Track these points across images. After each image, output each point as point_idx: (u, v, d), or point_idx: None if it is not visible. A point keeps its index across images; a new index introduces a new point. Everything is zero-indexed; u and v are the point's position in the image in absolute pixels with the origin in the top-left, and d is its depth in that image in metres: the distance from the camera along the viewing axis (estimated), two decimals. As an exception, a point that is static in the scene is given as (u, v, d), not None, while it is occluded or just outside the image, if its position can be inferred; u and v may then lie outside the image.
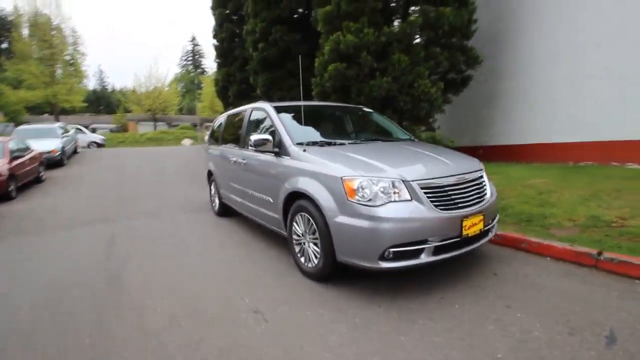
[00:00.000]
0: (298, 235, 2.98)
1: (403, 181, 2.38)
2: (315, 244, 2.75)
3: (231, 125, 4.82)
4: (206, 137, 6.11)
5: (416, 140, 3.89)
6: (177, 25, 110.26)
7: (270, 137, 3.21)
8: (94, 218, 5.35)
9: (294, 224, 2.98)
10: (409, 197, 2.36)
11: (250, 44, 10.81)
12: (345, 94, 7.31)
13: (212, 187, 5.51)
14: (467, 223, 2.46)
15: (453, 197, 2.48)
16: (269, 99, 10.77)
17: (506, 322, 2.08)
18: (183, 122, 45.26)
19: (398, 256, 2.32)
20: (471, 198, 2.58)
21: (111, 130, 41.93)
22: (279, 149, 3.22)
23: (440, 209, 2.39)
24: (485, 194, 2.75)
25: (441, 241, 2.39)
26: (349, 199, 2.39)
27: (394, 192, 2.35)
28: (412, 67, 6.61)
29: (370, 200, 2.34)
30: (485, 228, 2.68)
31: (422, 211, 2.34)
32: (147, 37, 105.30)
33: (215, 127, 5.68)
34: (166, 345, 2.03)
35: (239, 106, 15.29)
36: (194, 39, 77.63)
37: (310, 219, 2.73)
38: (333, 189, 2.50)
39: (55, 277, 3.11)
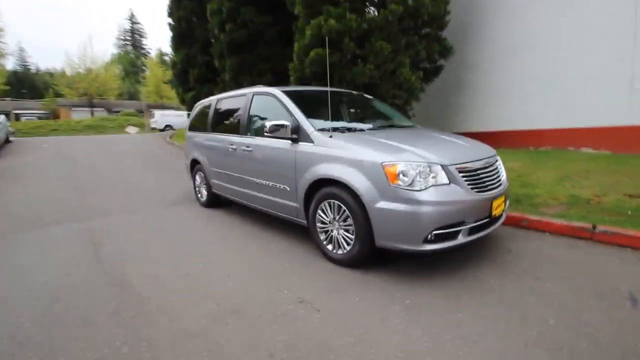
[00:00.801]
0: (323, 223, 2.93)
1: (441, 165, 2.45)
2: (347, 231, 2.73)
3: (224, 112, 4.52)
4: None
5: (418, 126, 4.00)
6: (112, 2, 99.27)
7: (287, 123, 3.08)
8: (61, 217, 4.73)
9: (319, 211, 2.93)
10: (447, 181, 2.44)
11: (216, 24, 10.13)
12: (326, 80, 7.23)
13: (198, 177, 5.18)
14: (495, 204, 2.62)
15: (484, 179, 2.62)
16: (238, 84, 10.26)
17: (541, 293, 2.27)
18: (125, 108, 41.48)
19: (439, 238, 2.40)
20: (496, 180, 2.74)
21: (39, 117, 37.08)
22: (297, 136, 3.11)
23: (475, 192, 2.51)
24: (503, 176, 2.95)
25: (475, 222, 2.52)
26: (391, 184, 2.40)
27: (433, 176, 2.41)
28: (393, 55, 6.73)
29: (411, 185, 2.37)
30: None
31: (460, 194, 2.43)
32: (75, 14, 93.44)
33: (198, 114, 5.30)
34: (221, 345, 1.89)
35: (201, 91, 14.57)
36: (132, 16, 70.90)
37: (342, 205, 2.70)
38: (372, 175, 2.49)
39: (51, 286, 2.71)
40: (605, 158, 5.61)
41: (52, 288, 2.65)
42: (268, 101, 3.67)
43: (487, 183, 2.62)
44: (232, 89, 10.62)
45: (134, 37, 70.13)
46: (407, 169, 2.40)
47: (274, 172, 3.40)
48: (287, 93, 3.47)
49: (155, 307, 2.32)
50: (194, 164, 5.29)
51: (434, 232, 2.36)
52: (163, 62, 53.35)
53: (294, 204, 3.21)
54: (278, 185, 3.36)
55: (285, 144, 3.25)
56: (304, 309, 2.21)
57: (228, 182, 4.30)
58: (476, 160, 2.65)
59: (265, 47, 9.87)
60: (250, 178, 3.77)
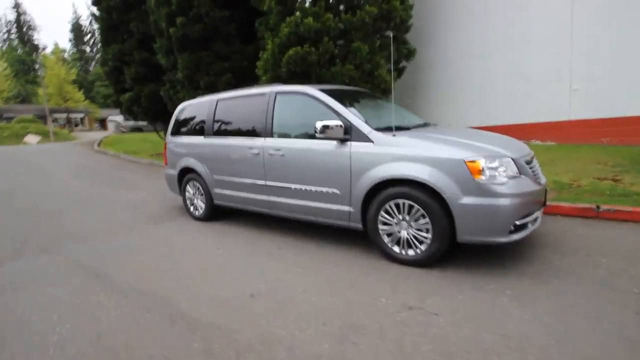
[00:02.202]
0: (387, 225, 2.87)
1: (512, 159, 2.60)
2: (420, 230, 2.72)
3: (231, 113, 4.09)
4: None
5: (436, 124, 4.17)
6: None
7: (340, 123, 2.93)
8: (19, 247, 3.77)
9: (382, 213, 2.86)
10: (518, 174, 2.59)
11: (164, 17, 9.11)
12: (305, 79, 7.08)
13: (190, 188, 4.61)
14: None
15: (535, 170, 2.85)
16: (193, 84, 9.42)
17: (604, 266, 2.57)
18: (20, 114, 34.72)
19: (518, 228, 2.55)
20: (540, 171, 3.01)
21: None
22: (350, 136, 2.98)
23: (536, 182, 2.72)
24: (538, 167, 3.26)
25: (538, 210, 2.73)
26: (475, 179, 2.46)
27: (509, 170, 2.54)
28: (370, 56, 6.90)
29: (493, 179, 2.47)
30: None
31: (530, 185, 2.61)
32: None
33: (187, 116, 4.71)
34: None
35: (141, 92, 13.29)
36: (17, 5, 59.73)
37: (415, 204, 2.68)
38: (454, 171, 2.51)
39: (108, 342, 2.13)
40: (557, 148, 6.61)
41: (113, 345, 2.09)
42: (299, 101, 3.44)
43: (538, 173, 2.87)
44: (185, 89, 9.74)
45: (21, 30, 59.20)
46: (489, 164, 2.48)
47: (318, 176, 3.20)
48: (326, 92, 3.30)
49: (252, 337, 1.99)
50: (184, 174, 4.70)
51: (517, 222, 2.50)
52: (63, 59, 46.13)
53: (346, 208, 3.08)
54: (324, 189, 3.17)
55: (332, 145, 3.09)
56: (420, 314, 2.13)
57: (242, 190, 3.91)
58: (528, 154, 2.88)
59: (223, 44, 9.21)
60: (281, 184, 3.48)
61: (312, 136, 3.30)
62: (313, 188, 3.25)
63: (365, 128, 2.93)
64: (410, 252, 2.80)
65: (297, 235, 3.75)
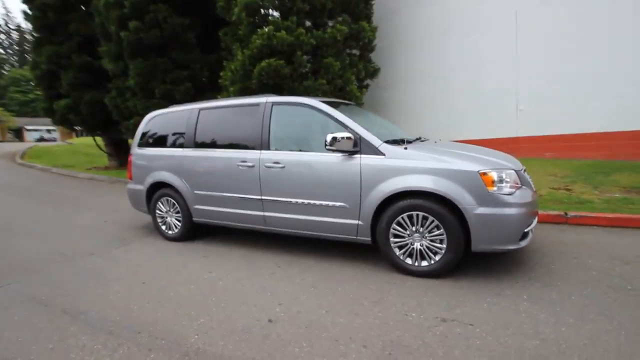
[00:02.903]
0: (399, 237, 2.85)
1: (515, 170, 2.77)
2: (433, 241, 2.74)
3: (218, 124, 3.79)
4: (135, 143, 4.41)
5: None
6: None
7: (350, 135, 2.87)
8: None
9: (394, 225, 2.83)
10: (520, 184, 2.77)
11: (114, 20, 8.31)
12: (276, 93, 6.95)
13: (163, 205, 4.15)
14: (537, 201, 3.13)
15: (529, 181, 3.08)
16: (147, 92, 8.68)
17: (591, 267, 2.83)
18: None
19: (524, 235, 2.70)
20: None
21: None
22: (359, 148, 2.94)
23: (533, 192, 2.94)
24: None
25: (535, 218, 2.94)
26: (489, 190, 2.57)
27: (515, 181, 2.70)
28: (342, 72, 7.04)
29: (504, 190, 2.60)
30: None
31: (531, 195, 2.80)
32: None
33: (161, 127, 4.28)
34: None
35: (81, 99, 12.36)
36: None
37: (430, 216, 2.70)
38: (469, 183, 2.59)
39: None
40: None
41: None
42: (299, 112, 3.32)
43: (531, 184, 3.11)
44: (137, 97, 8.88)
45: None
46: (500, 175, 2.62)
47: (324, 190, 3.08)
48: (328, 104, 3.23)
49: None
50: (155, 189, 4.22)
51: (524, 230, 2.65)
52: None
53: (354, 222, 3.00)
54: (331, 203, 3.06)
55: (339, 157, 3.01)
56: (457, 326, 2.11)
57: (229, 206, 3.62)
58: (522, 165, 3.11)
59: (182, 52, 8.68)
60: (280, 199, 3.29)
61: (314, 148, 3.20)
62: (318, 202, 3.12)
63: (375, 141, 2.92)
64: (424, 263, 2.80)
65: (292, 251, 3.55)
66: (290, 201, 3.25)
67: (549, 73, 6.99)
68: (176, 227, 4.14)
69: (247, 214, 3.54)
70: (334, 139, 2.87)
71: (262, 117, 3.44)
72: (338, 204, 3.04)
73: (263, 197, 3.40)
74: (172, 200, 4.10)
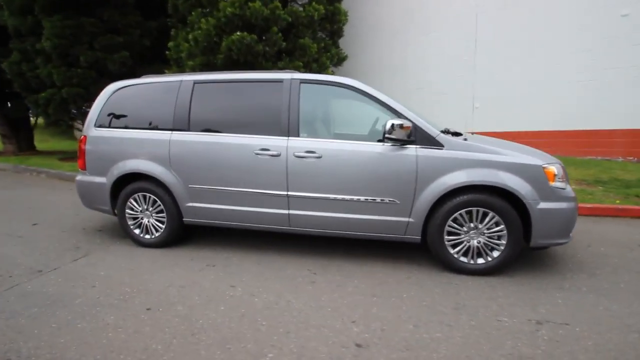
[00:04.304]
0: (455, 235, 2.67)
1: (561, 165, 2.81)
2: (491, 237, 2.62)
3: (225, 103, 3.05)
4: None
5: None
6: None
7: (409, 123, 2.55)
8: None
9: (450, 222, 2.64)
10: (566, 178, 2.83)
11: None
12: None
13: (137, 202, 3.27)
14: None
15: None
16: (67, 58, 6.87)
17: (609, 254, 3.06)
18: None
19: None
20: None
21: None
22: (415, 139, 2.63)
23: (565, 185, 3.05)
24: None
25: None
26: (550, 185, 2.53)
27: (562, 175, 2.73)
28: (318, 55, 6.57)
29: (561, 184, 2.60)
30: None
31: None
32: None
33: (135, 103, 3.32)
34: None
35: None
36: None
37: (490, 212, 2.57)
38: (533, 177, 2.52)
39: None
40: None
41: None
42: (334, 93, 2.86)
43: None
44: (53, 64, 6.93)
45: None
46: (558, 169, 2.61)
47: (371, 184, 2.71)
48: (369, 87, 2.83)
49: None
50: (125, 183, 3.28)
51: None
52: None
53: (404, 219, 2.71)
54: (378, 199, 2.71)
55: (388, 148, 2.68)
56: (556, 328, 2.00)
57: (241, 204, 2.98)
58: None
59: (116, 13, 7.06)
60: (313, 194, 2.80)
61: (352, 136, 2.80)
62: (363, 198, 2.74)
63: (432, 130, 2.66)
64: (480, 261, 2.68)
65: (315, 253, 3.12)
66: (328, 197, 2.80)
67: (502, 75, 7.67)
68: (156, 230, 3.29)
69: (266, 212, 2.96)
70: (394, 126, 2.52)
71: (289, 96, 2.87)
72: (387, 199, 2.71)
73: (290, 193, 2.86)
74: (152, 197, 3.23)
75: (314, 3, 6.51)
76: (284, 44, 6.22)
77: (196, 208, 3.13)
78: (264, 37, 6.01)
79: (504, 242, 2.61)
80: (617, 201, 4.57)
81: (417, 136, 2.66)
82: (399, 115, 2.70)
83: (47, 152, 10.48)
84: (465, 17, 7.94)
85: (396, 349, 1.85)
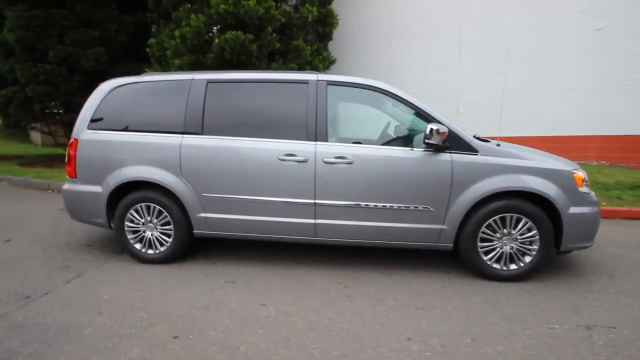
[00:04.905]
0: (488, 241, 2.64)
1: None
2: (524, 243, 2.62)
3: (243, 104, 2.81)
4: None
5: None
6: None
7: (446, 129, 2.48)
8: None
9: (483, 229, 2.60)
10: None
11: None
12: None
13: (139, 214, 2.94)
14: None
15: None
16: (34, 53, 6.18)
17: (619, 255, 3.18)
18: None
19: (592, 232, 2.84)
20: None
21: None
22: (450, 144, 2.57)
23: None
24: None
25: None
26: (579, 190, 2.58)
27: (587, 181, 2.80)
28: (312, 58, 6.43)
29: (586, 189, 2.66)
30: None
31: (589, 193, 2.98)
32: None
33: (136, 103, 3.00)
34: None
35: None
36: None
37: (524, 217, 2.57)
38: (564, 183, 2.55)
39: None
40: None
41: None
42: (364, 96, 2.73)
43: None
44: (17, 59, 6.16)
45: None
46: (585, 175, 2.66)
47: (405, 191, 2.61)
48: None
49: None
50: (124, 192, 2.93)
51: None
52: None
53: (437, 226, 2.64)
54: (412, 206, 2.61)
55: (422, 153, 2.60)
56: (606, 332, 2.01)
57: (262, 213, 2.76)
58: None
59: (89, 5, 6.46)
60: (343, 202, 2.65)
61: (381, 141, 2.70)
62: (396, 205, 2.64)
63: (467, 136, 2.61)
64: (512, 267, 2.67)
65: (336, 264, 2.96)
66: (359, 205, 2.66)
67: (486, 81, 7.98)
68: (162, 245, 2.97)
69: (290, 222, 2.76)
70: (432, 131, 2.44)
71: (316, 99, 2.71)
72: (420, 206, 2.63)
73: (317, 201, 2.69)
74: (158, 208, 2.92)
75: (307, 5, 6.38)
76: (278, 45, 6.03)
77: (210, 219, 2.86)
78: (259, 37, 5.77)
79: (535, 247, 2.62)
80: (604, 203, 4.85)
81: (451, 141, 2.61)
82: (432, 119, 2.64)
83: (1, 156, 9.41)
84: (450, 27, 8.19)
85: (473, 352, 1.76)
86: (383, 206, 2.65)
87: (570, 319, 2.17)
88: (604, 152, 7.06)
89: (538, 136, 7.59)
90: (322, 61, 6.87)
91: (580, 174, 2.64)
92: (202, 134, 2.83)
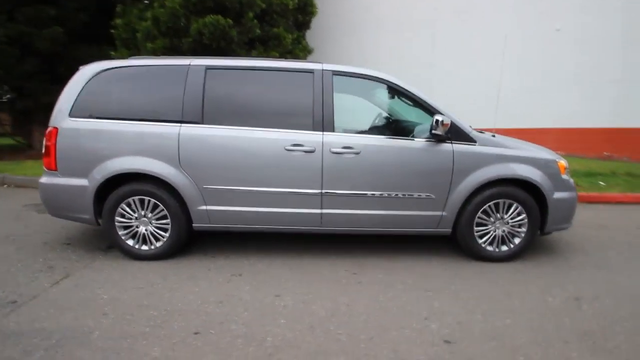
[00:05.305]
0: (482, 226, 2.83)
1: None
2: (514, 226, 2.84)
3: (245, 92, 2.70)
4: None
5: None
6: None
7: (449, 120, 2.59)
8: None
9: (479, 214, 2.78)
10: (566, 171, 3.19)
11: None
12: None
13: (131, 208, 2.76)
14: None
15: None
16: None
17: (601, 237, 3.55)
18: None
19: (569, 215, 3.14)
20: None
21: None
22: (450, 135, 2.69)
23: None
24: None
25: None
26: (562, 176, 2.83)
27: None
28: (293, 46, 6.30)
29: (566, 176, 2.92)
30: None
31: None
32: None
33: (125, 89, 2.78)
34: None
35: None
36: None
37: (515, 202, 2.78)
38: (549, 170, 2.79)
39: None
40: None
41: None
42: (368, 87, 2.76)
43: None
44: None
45: None
46: (566, 163, 2.92)
47: (410, 180, 2.71)
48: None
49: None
50: (114, 185, 2.73)
51: (574, 210, 3.09)
52: None
53: (438, 213, 2.78)
54: (416, 194, 2.72)
55: (425, 144, 2.70)
56: (594, 302, 2.26)
57: (266, 205, 2.72)
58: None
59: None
60: (350, 192, 2.68)
61: (385, 131, 2.76)
62: (401, 194, 2.72)
63: (466, 127, 2.75)
64: (504, 248, 2.89)
65: (339, 252, 3.02)
66: (365, 194, 2.71)
67: (459, 74, 8.37)
68: (157, 240, 2.82)
69: (295, 213, 2.75)
70: (438, 122, 2.54)
71: (322, 89, 2.69)
72: (424, 194, 2.74)
73: (324, 191, 2.70)
74: (153, 201, 2.76)
75: (287, -8, 6.23)
76: (259, 31, 5.84)
77: (211, 212, 2.76)
78: (237, 22, 5.55)
79: (524, 229, 2.86)
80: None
81: (452, 132, 2.73)
82: (434, 111, 2.74)
83: None
84: (425, 22, 8.44)
85: (482, 340, 1.89)
86: (388, 195, 2.73)
87: (559, 293, 2.41)
88: (560, 143, 7.78)
89: (504, 128, 8.15)
90: (302, 50, 6.78)
91: (563, 162, 2.90)
92: (202, 123, 2.70)
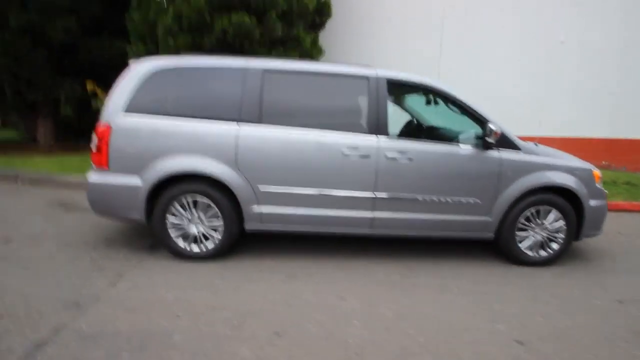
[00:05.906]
0: (523, 231, 2.96)
1: (591, 168, 3.33)
2: (552, 232, 2.98)
3: (300, 95, 2.74)
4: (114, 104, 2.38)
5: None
6: None
7: (500, 129, 2.71)
8: None
9: (521, 219, 2.91)
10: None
11: None
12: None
13: (184, 208, 2.76)
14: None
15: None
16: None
17: (613, 241, 3.78)
18: None
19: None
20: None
21: None
22: (495, 142, 2.80)
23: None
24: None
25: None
26: (597, 185, 3.00)
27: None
28: (311, 48, 6.32)
29: (600, 184, 3.09)
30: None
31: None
32: None
33: (182, 86, 2.77)
34: None
35: None
36: None
37: (554, 209, 2.92)
38: (585, 178, 2.95)
39: None
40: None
41: None
42: (417, 93, 2.83)
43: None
44: None
45: None
46: (599, 172, 3.09)
47: (458, 185, 2.81)
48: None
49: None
50: (167, 185, 2.71)
51: (604, 217, 3.26)
52: None
53: (483, 218, 2.89)
54: (464, 199, 2.82)
55: (473, 150, 2.81)
56: (637, 304, 2.42)
57: (320, 206, 2.76)
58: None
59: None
60: (403, 195, 2.76)
61: (434, 137, 2.85)
62: (450, 199, 2.82)
63: (512, 135, 2.88)
64: (543, 253, 3.03)
65: (388, 255, 3.08)
66: (416, 198, 2.80)
67: (466, 80, 8.59)
68: (212, 240, 2.82)
69: (348, 216, 2.81)
70: (491, 130, 2.65)
71: (377, 94, 2.76)
72: (472, 200, 2.85)
73: (377, 194, 2.77)
74: (207, 201, 2.75)
75: (308, -6, 6.25)
76: (280, 32, 5.83)
77: (264, 213, 2.78)
78: (259, 22, 5.53)
79: (562, 235, 3.01)
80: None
81: (499, 140, 2.85)
82: (483, 119, 2.85)
83: None
84: (432, 25, 8.63)
85: (550, 340, 2.00)
86: (438, 199, 2.83)
87: (603, 296, 2.56)
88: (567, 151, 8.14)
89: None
90: (318, 52, 6.82)
91: (597, 171, 3.07)
92: (260, 122, 2.71)
